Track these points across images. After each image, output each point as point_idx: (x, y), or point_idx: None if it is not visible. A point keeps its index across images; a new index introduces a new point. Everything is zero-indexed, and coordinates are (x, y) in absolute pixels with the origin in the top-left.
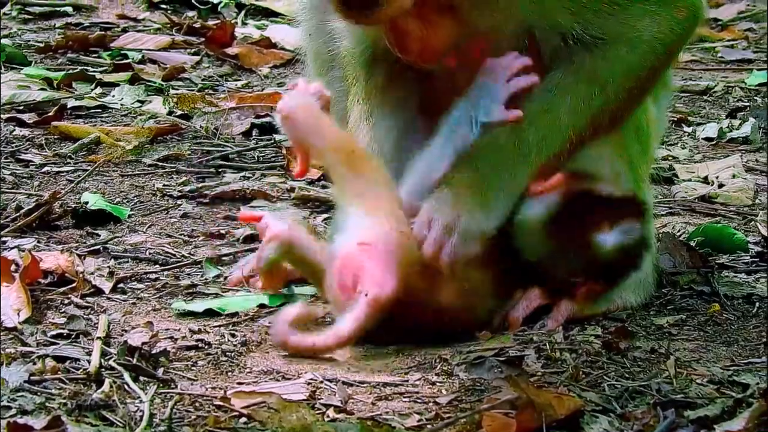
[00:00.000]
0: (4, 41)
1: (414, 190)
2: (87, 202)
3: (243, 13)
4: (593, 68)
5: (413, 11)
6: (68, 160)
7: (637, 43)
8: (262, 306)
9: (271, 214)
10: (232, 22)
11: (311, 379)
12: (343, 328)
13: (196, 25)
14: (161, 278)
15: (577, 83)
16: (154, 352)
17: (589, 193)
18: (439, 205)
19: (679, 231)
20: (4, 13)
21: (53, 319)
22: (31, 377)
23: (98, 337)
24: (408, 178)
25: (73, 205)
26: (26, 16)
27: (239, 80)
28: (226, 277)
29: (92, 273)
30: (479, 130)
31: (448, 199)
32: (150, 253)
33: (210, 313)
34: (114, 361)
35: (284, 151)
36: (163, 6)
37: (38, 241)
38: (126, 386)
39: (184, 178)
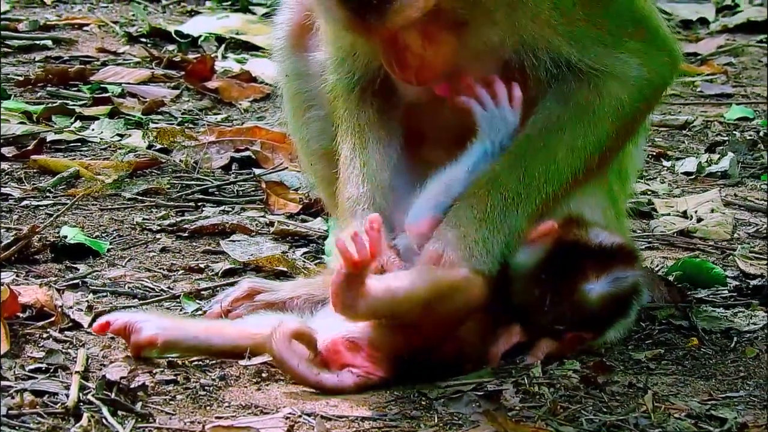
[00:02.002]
0: None
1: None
2: (66, 236)
3: (223, 47)
4: (587, 104)
5: (417, 26)
6: (47, 194)
7: (628, 80)
8: None
9: (133, 315)
10: (212, 55)
11: (290, 413)
12: (326, 384)
13: (176, 59)
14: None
15: (575, 120)
16: (132, 386)
17: (579, 242)
18: (444, 249)
19: (657, 265)
20: None
21: (31, 353)
22: (10, 411)
23: (77, 372)
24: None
25: (52, 239)
26: (6, 50)
27: (219, 114)
28: (204, 312)
29: (71, 307)
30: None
31: (453, 242)
32: (129, 287)
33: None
34: (92, 395)
35: (264, 186)
36: (143, 40)
37: (17, 275)
38: (104, 420)
39: (164, 212)
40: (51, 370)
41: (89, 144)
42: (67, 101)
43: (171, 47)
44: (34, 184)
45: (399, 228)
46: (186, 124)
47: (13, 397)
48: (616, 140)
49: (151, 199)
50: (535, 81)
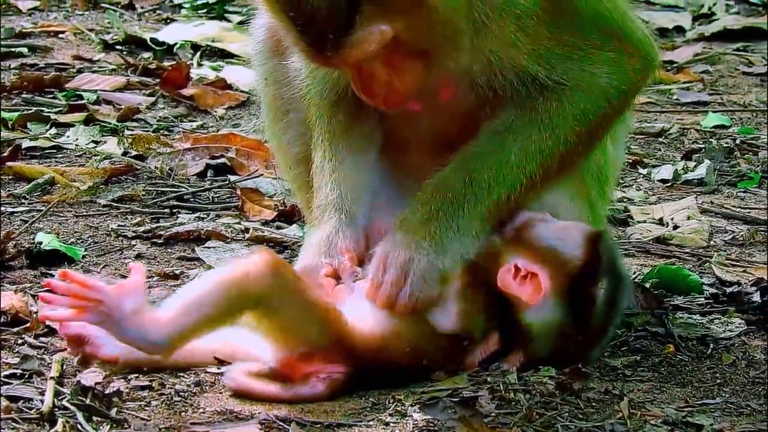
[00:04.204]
0: None
1: None
2: (41, 243)
3: (198, 54)
4: (546, 111)
5: (381, 55)
6: (22, 201)
7: (593, 88)
8: None
9: (90, 329)
10: (188, 63)
11: (264, 419)
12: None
13: (152, 66)
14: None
15: (529, 125)
16: (107, 392)
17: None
18: (392, 249)
19: (633, 272)
20: None
21: (6, 359)
22: None
23: (52, 377)
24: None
25: (27, 245)
26: None
27: (194, 121)
28: None
29: None
30: None
31: (401, 241)
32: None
33: None
34: (67, 401)
35: (239, 192)
36: (119, 47)
37: None
38: (79, 426)
39: (139, 219)
40: (26, 376)
41: (64, 151)
42: (43, 108)
43: (146, 55)
44: (9, 190)
45: (378, 233)
46: (161, 131)
47: None
48: (578, 145)
49: (126, 206)
50: (504, 99)
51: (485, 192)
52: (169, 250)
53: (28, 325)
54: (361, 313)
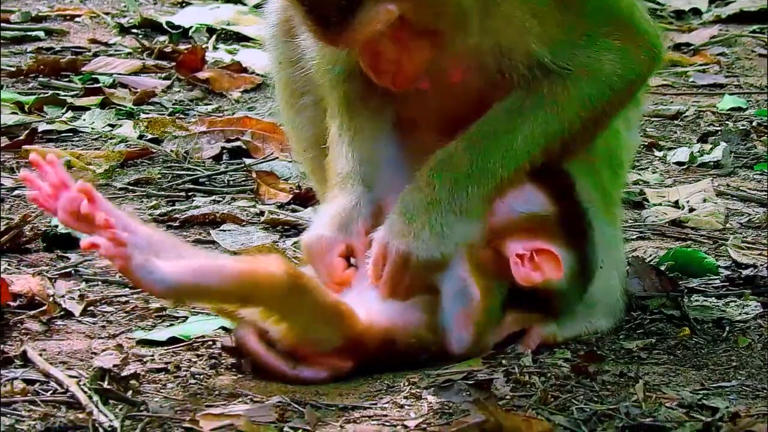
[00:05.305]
0: None
1: None
2: (57, 226)
3: (214, 37)
4: (551, 94)
5: (388, 34)
6: None
7: (597, 75)
8: (225, 329)
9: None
10: (203, 46)
11: (279, 401)
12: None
13: (167, 50)
14: (131, 301)
15: (536, 107)
16: (124, 374)
17: None
18: (391, 236)
19: (649, 255)
20: None
21: (23, 341)
22: (1, 399)
23: (68, 361)
24: None
25: (43, 229)
26: None
27: (210, 104)
28: None
29: (63, 296)
30: None
31: (400, 228)
32: (120, 276)
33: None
34: (84, 383)
35: (254, 175)
36: (135, 31)
37: (8, 264)
38: (96, 408)
39: (155, 202)
40: (42, 359)
41: (80, 134)
42: (59, 92)
43: (162, 38)
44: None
45: (390, 210)
46: (177, 115)
47: (4, 386)
48: (582, 131)
49: (142, 189)
50: (511, 82)
51: (489, 173)
52: (185, 233)
53: (45, 308)
54: (369, 302)
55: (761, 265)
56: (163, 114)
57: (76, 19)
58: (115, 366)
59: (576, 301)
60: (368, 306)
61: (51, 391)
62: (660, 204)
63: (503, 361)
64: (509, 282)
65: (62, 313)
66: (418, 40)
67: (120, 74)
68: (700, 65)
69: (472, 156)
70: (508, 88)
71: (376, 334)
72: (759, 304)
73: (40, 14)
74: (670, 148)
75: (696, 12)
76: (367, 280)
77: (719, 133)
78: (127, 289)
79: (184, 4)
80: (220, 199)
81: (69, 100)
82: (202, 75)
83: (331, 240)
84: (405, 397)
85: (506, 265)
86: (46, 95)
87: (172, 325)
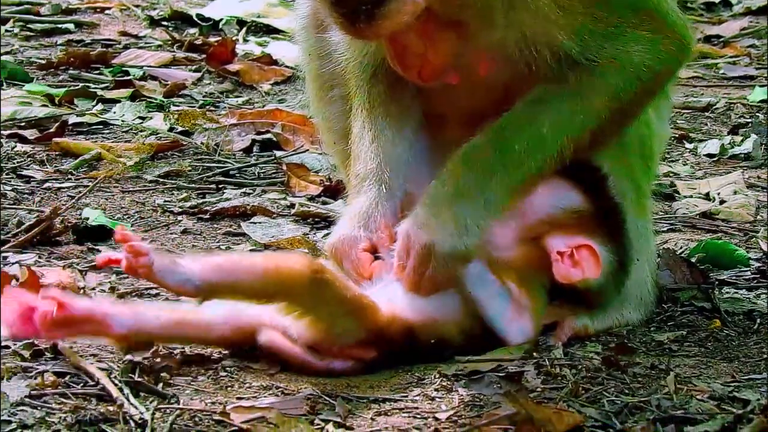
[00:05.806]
0: (6, 58)
1: None
2: (88, 218)
3: (244, 30)
4: (578, 84)
5: (415, 27)
6: (69, 176)
7: (626, 65)
8: None
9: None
10: (233, 39)
11: (310, 394)
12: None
13: (198, 42)
14: (162, 294)
15: (562, 98)
16: (155, 367)
17: None
18: (415, 230)
19: (680, 247)
20: (6, 30)
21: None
22: (32, 392)
23: (98, 354)
24: None
25: (74, 221)
26: (28, 33)
27: (240, 97)
28: None
29: (93, 288)
30: None
31: (424, 220)
32: None
33: None
34: (115, 376)
35: (284, 168)
36: (165, 23)
37: (39, 257)
38: (127, 401)
39: (185, 194)
40: (73, 351)
41: (111, 126)
42: (89, 84)
43: (192, 30)
44: (56, 166)
45: (412, 206)
46: (207, 107)
47: (35, 378)
48: (611, 123)
49: (173, 182)
50: (537, 75)
51: (516, 164)
52: (215, 226)
53: None
54: (393, 296)
55: None
56: (194, 106)
57: (107, 12)
58: (145, 359)
59: (612, 296)
60: (392, 299)
61: (82, 384)
62: (691, 196)
63: (534, 354)
64: (549, 278)
65: None
66: (444, 32)
67: (150, 66)
68: (731, 57)
69: (496, 147)
70: (536, 81)
71: (398, 327)
72: None
73: (70, 6)
74: (700, 140)
75: (726, 4)
76: (392, 273)
77: (750, 125)
78: None
79: None
80: (251, 191)
81: (99, 92)
82: (233, 67)
83: (355, 237)
84: (436, 390)
85: (546, 261)
86: (76, 88)
87: None
